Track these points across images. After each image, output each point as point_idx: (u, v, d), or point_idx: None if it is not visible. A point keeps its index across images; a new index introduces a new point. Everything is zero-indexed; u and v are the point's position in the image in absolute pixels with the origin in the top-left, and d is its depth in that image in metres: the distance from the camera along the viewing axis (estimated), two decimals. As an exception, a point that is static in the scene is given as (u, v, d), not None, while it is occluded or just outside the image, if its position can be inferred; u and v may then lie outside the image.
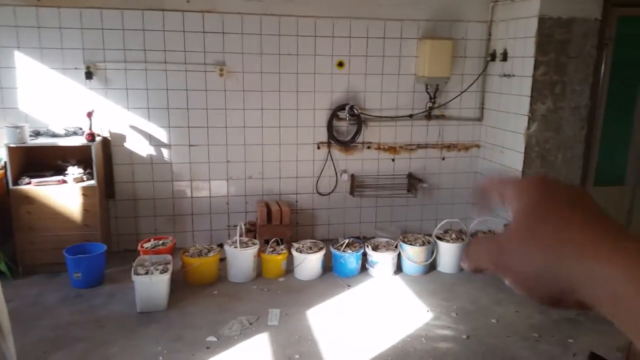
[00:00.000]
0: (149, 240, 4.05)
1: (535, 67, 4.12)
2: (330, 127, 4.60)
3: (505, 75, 4.48)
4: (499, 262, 0.41)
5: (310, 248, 4.11)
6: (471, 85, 4.72)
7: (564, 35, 4.12)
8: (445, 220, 4.36)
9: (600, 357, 2.90)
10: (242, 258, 3.91)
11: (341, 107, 4.57)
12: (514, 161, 4.40)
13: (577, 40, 4.15)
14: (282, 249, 4.10)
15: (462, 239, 4.22)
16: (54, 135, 4.04)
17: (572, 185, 0.43)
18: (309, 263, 4.00)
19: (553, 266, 0.37)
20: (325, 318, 3.48)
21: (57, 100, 4.13)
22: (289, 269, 4.09)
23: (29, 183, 3.87)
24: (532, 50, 4.11)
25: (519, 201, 0.42)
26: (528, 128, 4.23)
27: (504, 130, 4.53)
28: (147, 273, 3.46)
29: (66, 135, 4.05)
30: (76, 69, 4.12)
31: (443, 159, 4.91)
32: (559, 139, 4.30)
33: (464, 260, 0.46)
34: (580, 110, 4.29)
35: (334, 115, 4.59)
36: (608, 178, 4.65)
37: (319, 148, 4.68)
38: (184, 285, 3.82)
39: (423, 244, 4.15)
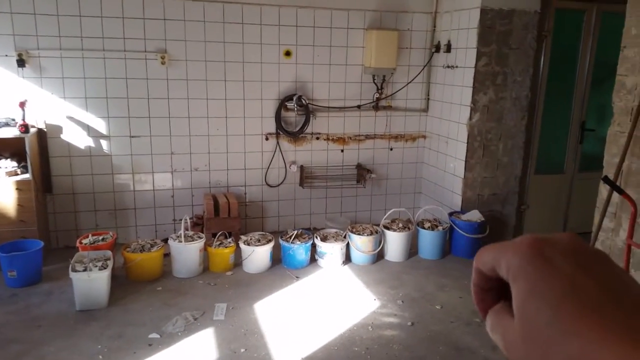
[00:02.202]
0: (88, 236, 3.90)
1: (478, 58, 4.21)
2: (278, 117, 4.55)
3: (449, 67, 4.55)
4: (506, 349, 0.36)
5: (259, 240, 4.07)
6: (416, 76, 4.77)
7: (505, 27, 4.22)
8: (392, 210, 4.41)
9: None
10: (187, 252, 3.82)
11: (289, 98, 4.53)
12: (457, 151, 4.49)
13: (518, 31, 4.26)
14: (229, 243, 4.04)
15: (409, 228, 4.29)
16: (-17, 127, 3.80)
17: (578, 250, 0.34)
18: (258, 255, 3.96)
19: None
20: (272, 311, 3.46)
21: (-15, 89, 3.89)
22: (237, 262, 4.04)
23: (-44, 178, 3.63)
24: (475, 41, 4.19)
25: (516, 285, 0.34)
26: (470, 118, 4.33)
27: (448, 121, 4.62)
28: (85, 270, 3.32)
29: (-4, 126, 3.83)
30: (7, 56, 3.89)
31: (391, 149, 4.96)
32: (500, 129, 4.42)
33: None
34: (521, 100, 4.42)
35: (282, 105, 4.54)
36: (548, 167, 4.83)
37: (267, 139, 4.63)
38: (126, 282, 3.71)
39: (371, 234, 4.19)
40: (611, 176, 3.14)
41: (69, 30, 3.97)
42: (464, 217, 4.32)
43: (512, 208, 4.65)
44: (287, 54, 4.51)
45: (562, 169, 4.87)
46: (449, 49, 4.53)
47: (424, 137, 5.00)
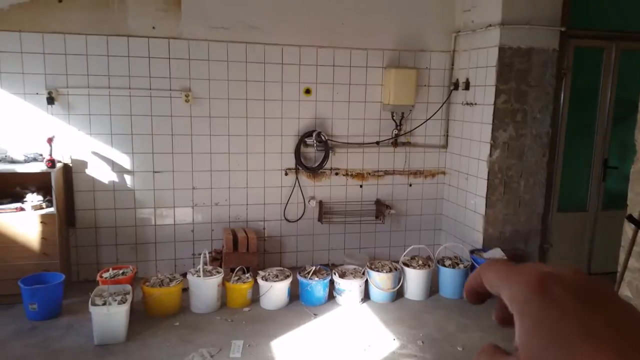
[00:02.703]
0: (108, 270, 3.93)
1: (497, 96, 4.22)
2: (297, 153, 4.60)
3: (468, 104, 4.57)
4: None
5: (277, 276, 4.05)
6: (435, 113, 4.80)
7: (524, 65, 4.25)
8: (412, 247, 4.36)
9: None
10: (205, 287, 3.82)
11: (309, 134, 4.59)
12: (478, 188, 4.46)
13: (537, 69, 4.28)
14: (247, 278, 4.03)
15: (429, 266, 4.22)
16: (13, 162, 3.92)
17: (585, 286, 0.34)
18: (275, 291, 3.94)
19: None
20: (290, 349, 3.41)
21: (16, 125, 4.04)
22: (255, 298, 4.02)
23: (-16, 211, 3.73)
24: (493, 79, 4.22)
25: (523, 321, 0.34)
26: (490, 155, 4.31)
27: (468, 157, 4.61)
28: (104, 304, 3.34)
29: (25, 161, 3.95)
30: (37, 94, 4.04)
31: (410, 185, 4.95)
32: (521, 166, 4.39)
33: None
34: (542, 137, 4.39)
35: (301, 141, 4.60)
36: (570, 204, 4.75)
37: (286, 174, 4.67)
38: (144, 317, 3.71)
39: (390, 271, 4.13)
40: (636, 215, 3.07)
41: (97, 69, 4.12)
42: (486, 255, 4.25)
43: (535, 246, 4.56)
44: (307, 91, 4.59)
45: (585, 207, 4.78)
46: (467, 86, 4.57)
47: (444, 173, 4.99)
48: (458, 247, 4.50)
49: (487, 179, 4.33)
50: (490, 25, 4.24)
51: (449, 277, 4.21)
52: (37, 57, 4.02)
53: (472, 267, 4.22)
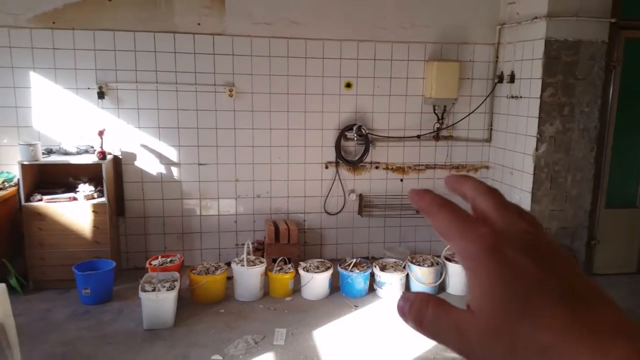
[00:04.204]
0: (157, 258, 4.07)
1: (543, 89, 4.14)
2: (338, 147, 4.63)
3: (513, 97, 4.49)
4: (459, 349, 0.34)
5: (318, 267, 4.10)
6: (479, 106, 4.74)
7: (571, 57, 4.14)
8: (453, 241, 4.31)
9: None
10: (249, 276, 3.91)
11: (349, 127, 4.61)
12: (523, 183, 4.38)
13: (585, 62, 4.17)
14: (289, 268, 4.09)
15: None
16: (66, 154, 4.11)
17: (538, 246, 0.34)
18: (316, 282, 3.99)
19: None
20: (332, 339, 3.45)
21: (69, 119, 4.22)
22: (296, 288, 4.07)
23: (41, 200, 3.92)
24: (540, 72, 4.13)
25: (475, 276, 0.34)
26: (537, 149, 4.23)
27: (513, 152, 4.53)
28: (154, 290, 3.47)
29: (78, 153, 4.12)
30: (89, 88, 4.21)
31: (451, 179, 4.89)
32: (568, 161, 4.28)
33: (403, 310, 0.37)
34: (590, 131, 4.28)
35: (341, 135, 4.63)
36: (620, 200, 4.61)
37: (327, 168, 4.71)
38: (190, 303, 3.82)
39: (432, 265, 4.12)
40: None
41: (145, 64, 4.26)
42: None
43: (582, 243, 4.45)
44: (348, 85, 4.61)
45: (635, 202, 4.63)
46: (512, 79, 4.49)
47: (487, 167, 4.92)
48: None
49: (533, 174, 4.25)
50: (536, 18, 4.15)
51: (491, 272, 4.15)
52: (89, 53, 4.18)
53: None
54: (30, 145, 3.87)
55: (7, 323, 2.71)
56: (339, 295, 4.08)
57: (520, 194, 4.41)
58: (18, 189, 3.96)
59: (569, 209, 4.37)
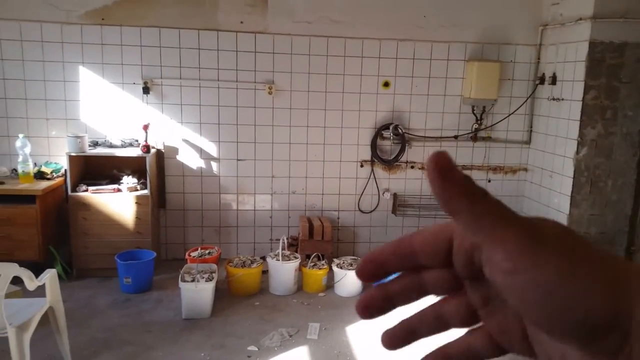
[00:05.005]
0: (196, 249, 4.18)
1: (586, 92, 4.06)
2: (374, 145, 4.65)
3: (554, 99, 4.43)
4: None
5: (351, 264, 4.14)
6: (519, 108, 4.69)
7: (616, 60, 4.05)
8: (488, 243, 4.28)
9: None
10: (283, 271, 3.98)
11: (385, 127, 4.63)
12: (562, 186, 4.32)
13: (630, 65, 4.07)
14: (323, 264, 4.15)
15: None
16: (111, 146, 4.26)
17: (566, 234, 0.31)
18: (350, 279, 4.02)
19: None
20: (364, 335, 3.48)
21: (115, 112, 4.37)
22: (329, 284, 4.12)
23: (86, 190, 4.08)
24: (582, 74, 4.06)
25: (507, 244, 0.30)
26: (577, 152, 4.16)
27: (552, 154, 4.46)
28: (193, 280, 3.57)
29: (122, 146, 4.27)
30: (134, 84, 4.35)
31: (489, 181, 4.86)
32: (609, 165, 4.20)
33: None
34: (633, 136, 4.18)
35: (378, 134, 4.64)
36: (662, 207, 4.48)
37: (362, 166, 4.73)
38: (227, 295, 3.92)
39: (465, 266, 4.09)
40: None
41: (189, 61, 4.37)
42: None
43: (621, 249, 4.35)
44: (386, 84, 4.63)
45: (680, 210, 4.49)
46: (554, 81, 4.42)
47: (525, 169, 4.86)
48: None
49: (573, 177, 4.18)
50: (580, 19, 4.08)
51: (527, 275, 4.10)
52: (135, 49, 4.32)
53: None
54: (78, 137, 4.03)
55: (57, 307, 2.85)
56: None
57: (559, 198, 4.35)
58: (65, 180, 4.13)
59: (608, 214, 4.28)
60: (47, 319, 2.78)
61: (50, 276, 2.75)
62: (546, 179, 4.56)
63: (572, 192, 4.20)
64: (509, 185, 4.89)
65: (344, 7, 4.45)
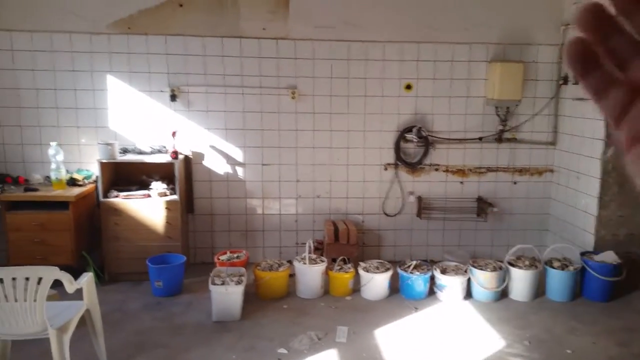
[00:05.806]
0: (225, 253, 4.25)
1: (613, 91, 4.01)
2: (397, 148, 4.67)
3: (579, 99, 4.39)
4: None
5: (377, 268, 4.15)
6: (543, 108, 4.65)
7: (644, 58, 4.00)
8: (518, 246, 4.25)
9: None
10: (310, 274, 4.01)
11: (408, 129, 4.63)
12: (589, 187, 4.27)
13: (658, 62, 4.01)
14: (349, 268, 4.17)
15: (536, 266, 4.11)
16: (141, 153, 4.35)
17: None
18: (376, 283, 4.04)
19: None
20: (393, 339, 3.49)
21: (143, 120, 4.46)
22: (356, 288, 4.14)
23: (117, 196, 4.17)
24: (609, 73, 4.01)
25: None
26: (604, 153, 4.11)
27: (579, 155, 4.42)
28: (223, 284, 3.63)
29: (151, 152, 4.36)
30: (161, 91, 4.44)
31: (514, 183, 4.83)
32: (638, 165, 4.13)
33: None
34: (662, 134, 4.11)
35: (401, 137, 4.66)
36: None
37: (386, 169, 4.75)
38: (255, 298, 3.97)
39: (494, 270, 4.08)
40: None
41: (213, 68, 4.45)
42: (597, 258, 4.06)
43: (652, 250, 4.28)
44: (408, 87, 4.64)
45: None
46: (577, 81, 4.37)
47: (552, 171, 4.82)
48: (567, 249, 4.33)
49: (601, 178, 4.14)
50: (606, 17, 4.04)
51: (557, 279, 4.06)
52: (161, 57, 4.41)
53: (583, 271, 4.06)
54: (108, 144, 4.13)
55: (94, 310, 2.93)
56: (398, 296, 4.12)
57: (587, 199, 4.30)
58: (96, 186, 4.23)
59: (637, 215, 4.22)
60: (82, 321, 2.85)
61: (87, 279, 2.83)
62: (573, 180, 4.51)
63: (600, 193, 4.16)
64: (535, 187, 4.85)
65: (364, 11, 4.48)
